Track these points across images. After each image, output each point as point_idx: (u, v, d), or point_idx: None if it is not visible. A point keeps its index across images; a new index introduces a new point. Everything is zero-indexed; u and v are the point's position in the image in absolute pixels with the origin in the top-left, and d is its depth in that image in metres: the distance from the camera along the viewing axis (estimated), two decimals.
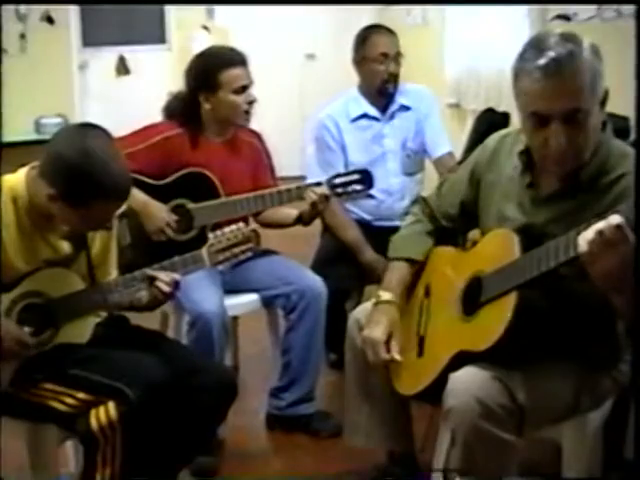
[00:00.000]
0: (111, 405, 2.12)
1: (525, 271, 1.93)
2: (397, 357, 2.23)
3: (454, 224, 2.39)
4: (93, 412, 2.13)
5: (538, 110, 1.94)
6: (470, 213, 2.31)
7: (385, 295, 2.33)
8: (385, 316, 2.28)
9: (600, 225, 1.73)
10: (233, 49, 3.09)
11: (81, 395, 2.16)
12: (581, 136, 1.94)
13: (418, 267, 2.37)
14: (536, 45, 1.94)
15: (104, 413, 2.12)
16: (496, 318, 1.97)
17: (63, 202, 2.10)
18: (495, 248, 2.10)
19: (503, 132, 2.28)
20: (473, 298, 2.09)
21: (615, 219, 1.72)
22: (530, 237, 2.00)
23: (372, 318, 2.30)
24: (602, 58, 1.95)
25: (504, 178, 2.18)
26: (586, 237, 1.75)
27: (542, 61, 1.89)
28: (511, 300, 1.95)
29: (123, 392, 2.12)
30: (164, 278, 2.27)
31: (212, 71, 2.99)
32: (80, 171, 2.06)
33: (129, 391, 2.12)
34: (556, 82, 1.89)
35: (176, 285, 2.29)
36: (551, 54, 1.89)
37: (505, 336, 1.93)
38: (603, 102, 1.97)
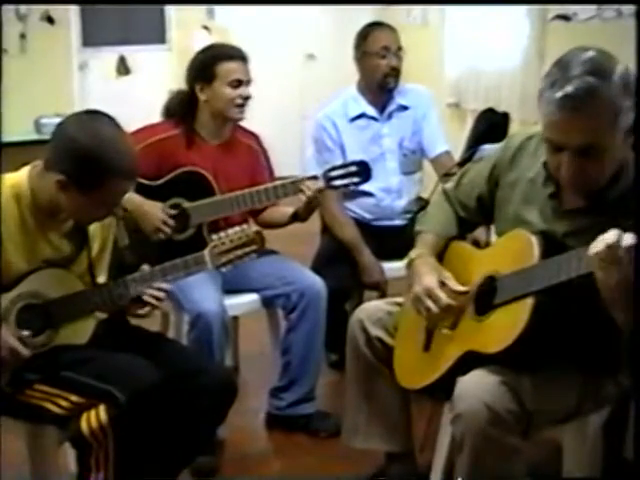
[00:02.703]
0: (102, 408, 2.11)
1: (544, 278, 1.90)
2: (462, 289, 2.14)
3: (470, 216, 2.36)
4: (84, 416, 2.12)
5: (552, 138, 1.92)
6: (486, 208, 2.29)
7: (414, 252, 2.30)
8: (425, 266, 2.23)
9: (611, 239, 1.72)
10: (234, 46, 3.12)
11: (74, 398, 2.15)
12: (594, 168, 1.90)
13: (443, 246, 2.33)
14: (562, 70, 1.87)
15: (95, 417, 2.11)
16: (510, 323, 1.96)
17: (74, 187, 2.10)
18: (513, 250, 2.07)
19: (529, 132, 2.22)
20: (486, 298, 2.08)
21: (629, 239, 1.72)
22: (549, 244, 1.98)
23: (414, 274, 2.24)
24: (632, 88, 1.87)
25: (525, 180, 2.14)
26: (596, 248, 1.75)
27: (559, 94, 1.84)
28: (527, 306, 1.92)
29: (113, 395, 2.10)
30: (153, 293, 2.27)
31: (210, 62, 3.02)
32: (90, 151, 2.07)
33: (119, 394, 2.10)
34: (569, 118, 1.85)
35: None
36: (569, 89, 1.83)
37: (517, 342, 1.92)
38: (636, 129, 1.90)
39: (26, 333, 2.16)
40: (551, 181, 2.05)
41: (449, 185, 2.43)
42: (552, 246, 1.96)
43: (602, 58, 1.90)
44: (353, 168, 2.96)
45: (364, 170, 2.96)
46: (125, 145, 2.15)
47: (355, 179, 2.96)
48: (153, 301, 2.28)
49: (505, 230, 2.16)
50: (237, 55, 3.05)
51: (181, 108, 3.08)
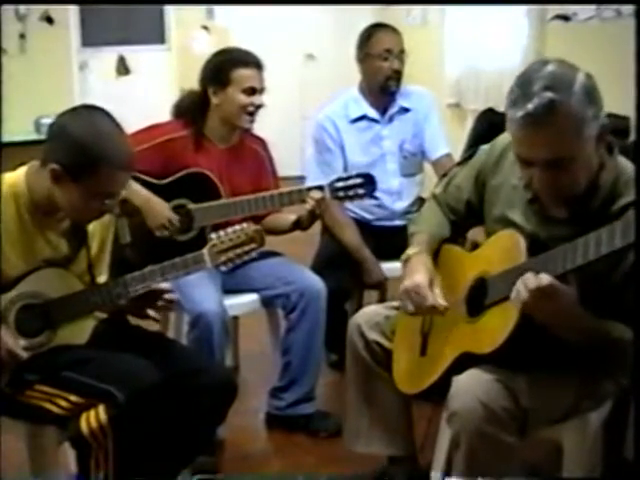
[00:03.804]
0: (101, 409, 2.11)
1: None
2: (442, 302, 2.16)
3: (460, 219, 2.37)
4: (84, 416, 2.12)
5: (519, 154, 1.94)
6: (476, 211, 2.30)
7: (412, 250, 2.30)
8: (420, 264, 2.24)
9: (530, 284, 1.83)
10: (251, 52, 3.10)
11: (73, 398, 2.15)
12: (566, 178, 1.91)
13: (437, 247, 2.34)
14: (522, 87, 1.88)
15: (94, 417, 2.11)
16: (501, 322, 1.96)
17: (67, 176, 2.10)
18: (501, 250, 2.09)
19: None
20: (478, 299, 2.08)
21: (545, 279, 1.81)
22: (534, 244, 1.99)
23: (407, 270, 2.25)
24: (596, 96, 1.89)
25: (508, 185, 2.15)
26: (520, 293, 1.85)
27: (519, 113, 1.86)
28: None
29: (113, 395, 2.10)
30: (168, 297, 2.30)
31: (226, 67, 3.01)
32: (84, 139, 2.08)
33: (119, 394, 2.10)
34: (532, 135, 1.87)
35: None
36: (529, 107, 1.84)
37: (509, 340, 1.93)
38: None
39: (23, 342, 2.15)
40: (529, 187, 2.05)
41: (437, 190, 2.44)
42: (538, 246, 1.98)
43: (562, 70, 1.90)
44: (358, 180, 2.96)
45: (369, 182, 2.96)
46: (120, 136, 2.15)
47: (360, 191, 2.96)
48: (165, 305, 2.30)
49: (493, 232, 2.17)
50: (253, 62, 3.04)
51: (192, 109, 3.07)
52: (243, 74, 3.00)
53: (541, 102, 1.83)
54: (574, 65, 1.93)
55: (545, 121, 1.84)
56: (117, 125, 2.16)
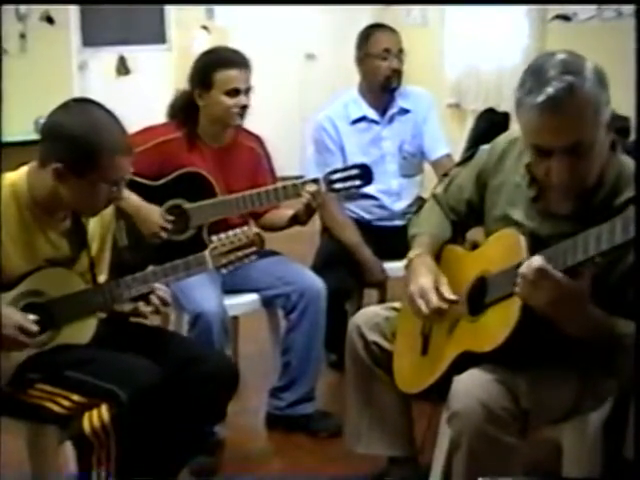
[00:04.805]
0: (104, 408, 2.11)
1: None
2: (452, 297, 2.15)
3: (461, 219, 2.37)
4: (86, 415, 2.12)
5: (538, 143, 1.93)
6: (476, 212, 2.30)
7: (413, 252, 2.29)
8: (423, 266, 2.23)
9: (522, 269, 1.85)
10: (237, 52, 3.06)
11: (76, 397, 2.15)
12: (584, 166, 1.91)
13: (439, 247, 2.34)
14: (536, 75, 1.88)
15: (97, 416, 2.11)
16: (502, 320, 1.97)
17: (70, 173, 2.11)
18: (502, 249, 2.09)
19: (513, 135, 2.21)
20: (479, 298, 2.08)
21: (536, 261, 1.82)
22: (535, 242, 1.99)
23: (411, 274, 2.24)
24: (606, 82, 1.90)
25: (510, 183, 2.15)
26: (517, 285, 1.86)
27: (540, 98, 1.85)
28: (517, 303, 1.93)
29: (115, 394, 2.11)
30: (161, 294, 2.30)
31: (208, 69, 2.98)
32: (80, 132, 2.09)
33: (121, 393, 2.10)
34: (554, 119, 1.86)
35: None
36: (549, 90, 1.84)
37: (510, 339, 1.93)
38: (612, 124, 1.93)
39: (33, 317, 2.14)
40: (534, 184, 2.06)
41: (438, 190, 2.44)
42: (539, 243, 1.97)
43: (572, 58, 1.91)
44: (354, 171, 2.96)
45: (365, 173, 2.96)
46: (113, 123, 2.16)
47: (356, 182, 2.96)
48: (156, 301, 2.29)
49: (494, 231, 2.17)
50: (238, 62, 2.99)
51: (183, 110, 3.06)
52: (226, 75, 2.95)
53: (562, 85, 1.84)
54: (580, 54, 1.94)
55: (566, 104, 1.84)
56: (108, 112, 2.17)
